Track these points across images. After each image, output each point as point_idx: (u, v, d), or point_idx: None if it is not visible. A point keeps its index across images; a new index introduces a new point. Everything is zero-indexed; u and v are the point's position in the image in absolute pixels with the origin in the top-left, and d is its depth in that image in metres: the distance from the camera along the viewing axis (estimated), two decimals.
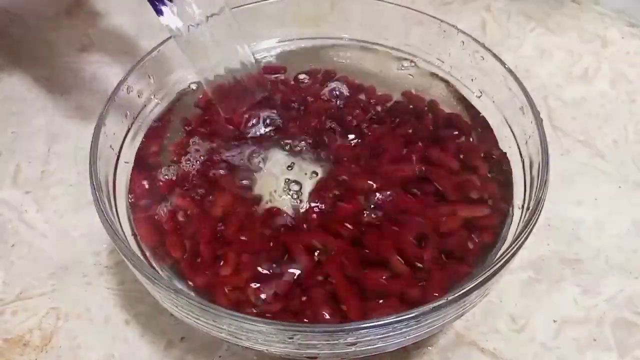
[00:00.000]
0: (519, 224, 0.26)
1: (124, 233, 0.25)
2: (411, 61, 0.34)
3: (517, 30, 0.46)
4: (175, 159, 0.30)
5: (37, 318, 0.30)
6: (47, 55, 0.44)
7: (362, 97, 0.33)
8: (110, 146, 0.28)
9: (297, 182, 0.29)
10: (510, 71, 0.29)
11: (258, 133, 0.31)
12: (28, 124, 0.40)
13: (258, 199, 0.28)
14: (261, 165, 0.30)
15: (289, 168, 0.30)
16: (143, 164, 0.30)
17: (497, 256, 0.24)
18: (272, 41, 0.36)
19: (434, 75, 0.34)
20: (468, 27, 0.46)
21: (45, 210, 0.35)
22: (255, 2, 0.34)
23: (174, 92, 0.33)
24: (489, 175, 0.29)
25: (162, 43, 0.31)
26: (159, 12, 0.27)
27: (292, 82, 0.34)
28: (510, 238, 0.26)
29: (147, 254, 0.26)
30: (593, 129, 0.39)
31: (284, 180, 0.29)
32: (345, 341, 0.21)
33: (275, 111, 0.32)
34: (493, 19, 0.47)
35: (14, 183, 0.37)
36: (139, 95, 0.31)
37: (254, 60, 0.31)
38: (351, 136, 0.31)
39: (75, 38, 0.46)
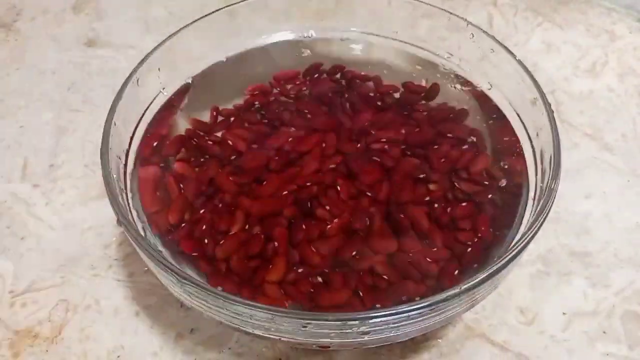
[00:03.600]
0: (530, 215, 0.26)
1: (135, 223, 0.25)
2: (420, 54, 0.34)
3: (524, 25, 0.46)
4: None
5: (47, 310, 0.30)
6: (54, 50, 0.45)
7: (371, 86, 0.33)
8: (120, 139, 0.28)
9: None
10: (521, 63, 0.29)
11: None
12: (36, 117, 0.40)
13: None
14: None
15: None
16: (151, 156, 0.30)
17: (510, 247, 0.24)
18: (279, 35, 0.35)
19: (443, 68, 0.33)
20: (475, 21, 0.45)
21: (53, 204, 0.35)
22: None
23: (182, 85, 0.33)
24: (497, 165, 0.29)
25: (169, 37, 0.31)
26: None
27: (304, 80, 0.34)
28: (521, 229, 0.26)
29: (158, 244, 0.26)
30: (601, 122, 0.39)
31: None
32: (358, 330, 0.21)
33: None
34: (500, 14, 0.47)
35: (22, 176, 0.37)
36: (147, 89, 0.31)
37: None
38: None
39: (81, 32, 0.46)
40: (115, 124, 0.27)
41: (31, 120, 0.40)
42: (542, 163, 0.27)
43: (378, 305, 0.25)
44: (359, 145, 0.30)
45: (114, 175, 0.26)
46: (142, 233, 0.26)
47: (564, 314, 0.30)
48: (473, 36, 0.31)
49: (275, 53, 0.35)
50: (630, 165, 0.37)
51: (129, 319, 0.30)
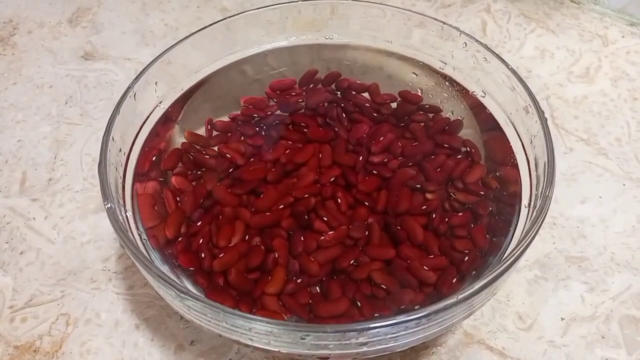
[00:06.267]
0: (525, 222, 0.26)
1: (134, 238, 0.25)
2: (414, 63, 0.34)
3: (518, 31, 0.46)
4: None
5: (47, 324, 0.31)
6: (51, 63, 0.45)
7: (367, 97, 0.33)
8: (118, 154, 0.28)
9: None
10: (513, 71, 0.29)
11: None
12: (34, 131, 0.40)
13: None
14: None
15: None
16: (149, 171, 0.30)
17: (506, 255, 0.24)
18: (274, 46, 0.36)
19: (437, 77, 0.34)
20: (468, 29, 0.46)
21: (52, 217, 0.35)
22: (257, 9, 0.34)
23: (179, 98, 0.33)
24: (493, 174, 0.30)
25: (165, 51, 0.31)
26: None
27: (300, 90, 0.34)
28: (517, 236, 0.26)
29: (157, 258, 0.26)
30: (596, 127, 0.39)
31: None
32: (357, 341, 0.21)
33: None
34: (493, 21, 0.47)
35: (20, 190, 0.37)
36: (144, 102, 0.31)
37: None
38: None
39: (78, 46, 0.46)
40: (113, 139, 0.27)
41: (29, 134, 0.40)
42: (536, 170, 0.27)
43: (377, 315, 0.25)
44: (356, 157, 0.30)
45: (112, 190, 0.26)
46: (142, 247, 0.26)
47: (562, 319, 0.31)
48: (466, 45, 0.31)
49: (271, 62, 0.35)
50: (625, 169, 0.37)
51: (129, 332, 0.30)
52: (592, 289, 0.32)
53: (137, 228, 0.27)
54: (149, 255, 0.26)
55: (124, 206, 0.27)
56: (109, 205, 0.24)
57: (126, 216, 0.26)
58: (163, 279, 0.22)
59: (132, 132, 0.30)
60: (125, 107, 0.28)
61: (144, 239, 0.27)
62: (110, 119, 0.27)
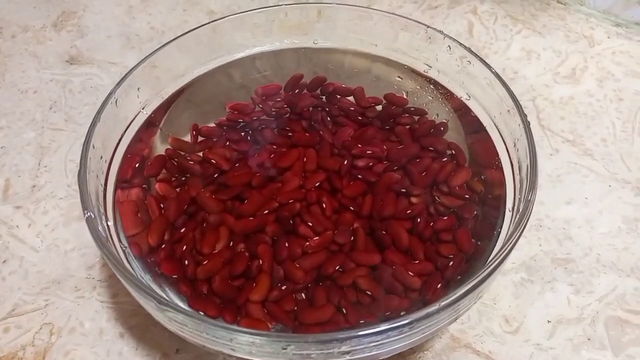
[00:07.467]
0: (509, 226, 0.26)
1: (115, 248, 0.25)
2: (399, 66, 0.34)
3: (504, 32, 0.46)
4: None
5: (31, 334, 0.30)
6: (35, 68, 0.44)
7: (352, 100, 0.33)
8: (99, 161, 0.28)
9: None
10: (496, 75, 0.29)
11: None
12: (17, 137, 0.40)
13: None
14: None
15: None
16: (132, 178, 0.30)
17: (489, 259, 0.24)
18: (260, 50, 0.36)
19: (422, 80, 0.34)
20: (455, 30, 0.46)
21: (36, 225, 0.35)
22: (243, 12, 0.34)
23: (162, 103, 0.33)
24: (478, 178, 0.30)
25: (150, 55, 0.31)
26: None
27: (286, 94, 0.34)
28: (501, 240, 0.26)
29: (139, 267, 0.26)
30: (581, 128, 0.39)
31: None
32: (339, 350, 0.21)
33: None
34: (480, 22, 0.47)
35: (4, 198, 0.36)
36: (127, 109, 0.30)
37: None
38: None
39: (62, 50, 0.46)
40: (93, 147, 0.27)
41: (13, 140, 0.40)
42: (520, 174, 0.27)
43: (362, 322, 0.25)
44: (341, 161, 0.30)
45: (92, 199, 0.25)
46: (123, 256, 0.25)
47: (548, 321, 0.31)
48: (450, 48, 0.31)
49: (257, 65, 0.35)
50: (610, 170, 0.37)
51: (114, 340, 0.30)
52: (578, 291, 0.32)
53: (119, 237, 0.26)
54: (130, 264, 0.25)
55: (105, 215, 0.26)
56: (89, 214, 0.24)
57: (107, 225, 0.26)
58: (143, 290, 0.22)
59: (114, 138, 0.29)
60: (106, 114, 0.28)
61: (125, 247, 0.26)
62: (90, 126, 0.27)
